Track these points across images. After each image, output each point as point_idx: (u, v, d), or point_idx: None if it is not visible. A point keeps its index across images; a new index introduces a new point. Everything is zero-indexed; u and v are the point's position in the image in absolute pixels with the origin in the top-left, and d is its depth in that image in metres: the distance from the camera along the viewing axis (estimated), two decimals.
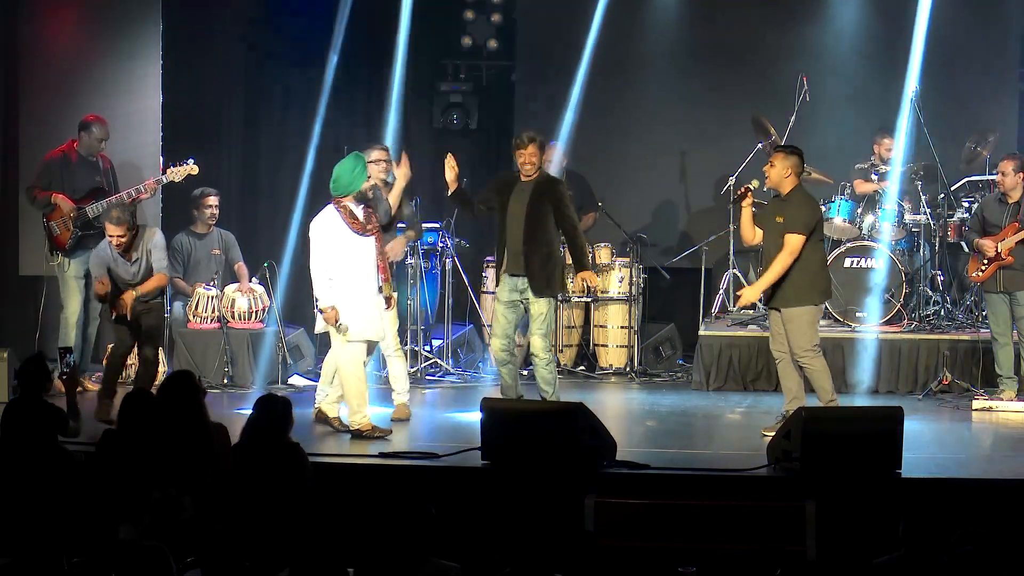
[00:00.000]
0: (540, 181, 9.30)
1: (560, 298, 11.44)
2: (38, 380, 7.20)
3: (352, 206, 8.87)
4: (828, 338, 10.85)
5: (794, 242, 8.77)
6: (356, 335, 8.82)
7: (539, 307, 9.24)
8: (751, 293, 9.08)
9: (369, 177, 9.06)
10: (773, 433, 8.34)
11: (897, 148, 11.46)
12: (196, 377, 7.29)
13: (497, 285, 9.44)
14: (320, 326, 8.99)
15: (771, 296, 8.97)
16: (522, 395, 9.42)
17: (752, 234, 9.05)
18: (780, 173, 8.87)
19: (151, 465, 6.69)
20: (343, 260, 8.80)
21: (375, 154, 9.57)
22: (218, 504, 6.67)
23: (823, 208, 11.28)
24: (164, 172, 10.43)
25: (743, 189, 9.05)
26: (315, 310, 8.93)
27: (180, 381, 7.16)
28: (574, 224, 9.37)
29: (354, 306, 8.81)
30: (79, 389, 9.12)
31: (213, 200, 11.34)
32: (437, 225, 11.63)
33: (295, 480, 6.69)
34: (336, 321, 8.72)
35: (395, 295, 9.32)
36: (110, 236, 9.33)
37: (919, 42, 11.67)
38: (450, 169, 9.32)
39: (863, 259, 11.07)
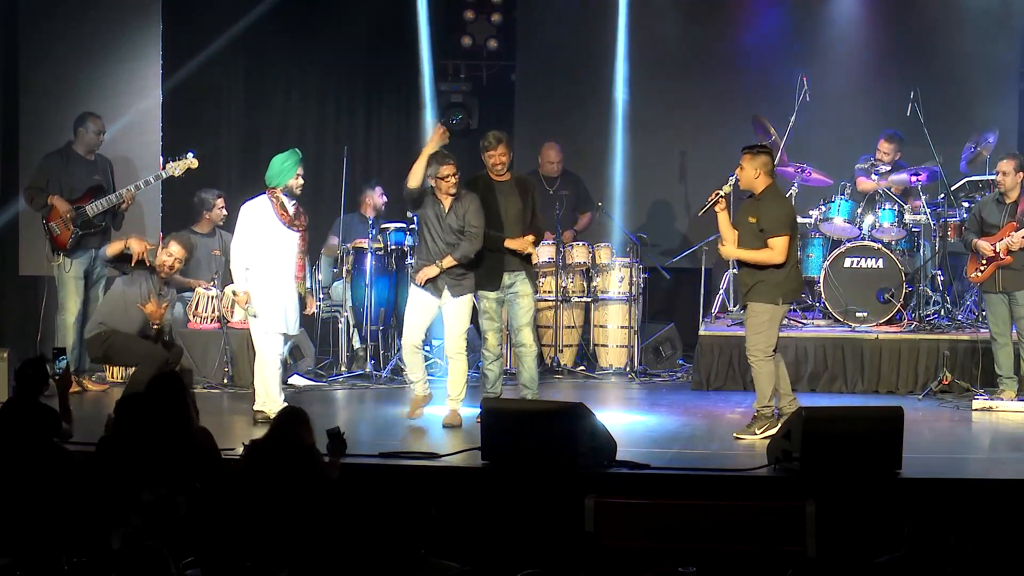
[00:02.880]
0: (518, 179, 9.58)
1: (560, 298, 11.48)
2: (36, 382, 7.19)
3: (284, 198, 9.16)
4: (829, 338, 10.89)
5: (780, 245, 8.68)
6: (271, 327, 9.14)
7: (528, 299, 9.49)
8: (730, 250, 8.94)
9: (298, 175, 9.15)
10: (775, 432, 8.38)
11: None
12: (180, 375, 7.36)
13: (494, 287, 9.43)
14: (240, 315, 9.36)
15: (741, 293, 8.96)
16: (501, 393, 9.46)
17: (734, 242, 8.92)
18: (750, 175, 8.77)
19: (142, 467, 6.69)
20: (266, 249, 9.14)
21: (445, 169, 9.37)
22: (210, 502, 6.67)
23: (822, 208, 11.32)
24: (163, 168, 10.43)
25: (714, 196, 8.90)
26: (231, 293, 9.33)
27: (167, 382, 7.16)
28: (541, 219, 9.66)
29: (271, 297, 9.13)
30: (77, 389, 9.14)
31: (222, 202, 11.40)
32: None
33: (309, 484, 6.67)
34: (246, 304, 9.07)
35: (311, 298, 9.50)
36: (171, 254, 9.55)
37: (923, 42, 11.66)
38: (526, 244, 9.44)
39: (863, 259, 11.06)
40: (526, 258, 9.44)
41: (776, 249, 8.69)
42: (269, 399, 9.15)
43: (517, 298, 9.43)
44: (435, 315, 9.45)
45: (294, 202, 9.21)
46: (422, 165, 9.10)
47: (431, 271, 9.19)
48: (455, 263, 9.20)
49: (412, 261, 9.75)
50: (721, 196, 8.88)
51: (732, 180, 9.01)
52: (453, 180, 9.15)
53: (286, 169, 9.15)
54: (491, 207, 9.32)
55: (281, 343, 9.31)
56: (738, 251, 8.82)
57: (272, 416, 8.79)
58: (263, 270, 9.19)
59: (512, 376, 10.16)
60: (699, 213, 9.16)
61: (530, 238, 9.42)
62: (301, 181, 9.21)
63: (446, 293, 9.31)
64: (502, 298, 9.50)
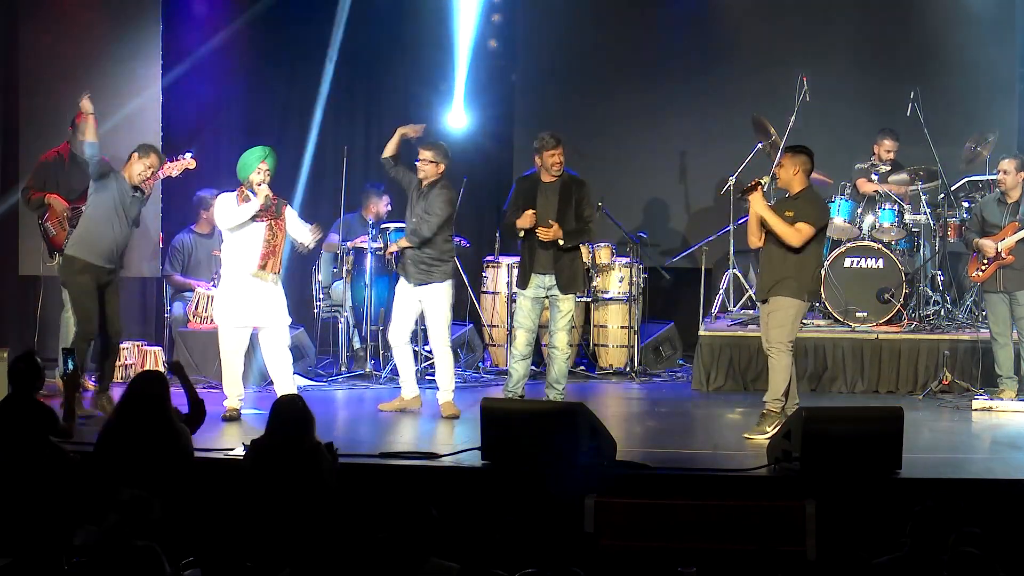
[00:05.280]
0: (566, 181, 9.57)
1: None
2: (29, 379, 7.16)
3: (247, 192, 9.45)
4: (829, 338, 10.89)
5: (805, 229, 8.73)
6: (236, 320, 9.40)
7: (566, 304, 9.55)
8: (755, 223, 8.85)
9: (259, 170, 9.41)
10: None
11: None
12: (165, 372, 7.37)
13: (523, 285, 9.60)
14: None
15: (761, 289, 8.97)
16: (523, 394, 9.51)
17: (759, 236, 8.92)
18: (789, 172, 8.86)
19: (118, 465, 6.69)
20: (232, 242, 9.43)
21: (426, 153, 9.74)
22: (188, 505, 6.66)
23: None
24: (161, 168, 10.40)
25: (753, 182, 8.94)
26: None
27: (147, 381, 7.13)
28: (587, 223, 9.62)
29: (236, 291, 9.39)
30: (81, 389, 9.12)
31: None
32: None
33: (314, 481, 6.67)
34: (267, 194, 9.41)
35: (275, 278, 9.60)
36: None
37: (924, 42, 11.64)
38: (528, 219, 9.48)
39: (863, 259, 11.05)
40: (561, 260, 9.46)
41: (800, 231, 8.70)
42: (233, 394, 9.41)
43: (558, 301, 9.54)
44: (419, 310, 9.75)
45: (262, 196, 9.42)
46: (394, 141, 9.72)
47: (392, 247, 9.78)
48: (407, 245, 9.61)
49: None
50: (760, 184, 8.94)
51: (770, 176, 9.12)
52: (425, 165, 9.56)
53: (248, 163, 9.46)
54: (531, 207, 9.49)
55: (246, 337, 9.50)
56: (765, 211, 8.77)
57: (235, 413, 9.27)
58: (229, 264, 9.48)
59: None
60: (739, 196, 9.27)
61: (554, 228, 9.38)
62: (263, 176, 9.44)
63: (412, 281, 9.61)
64: (539, 299, 9.57)
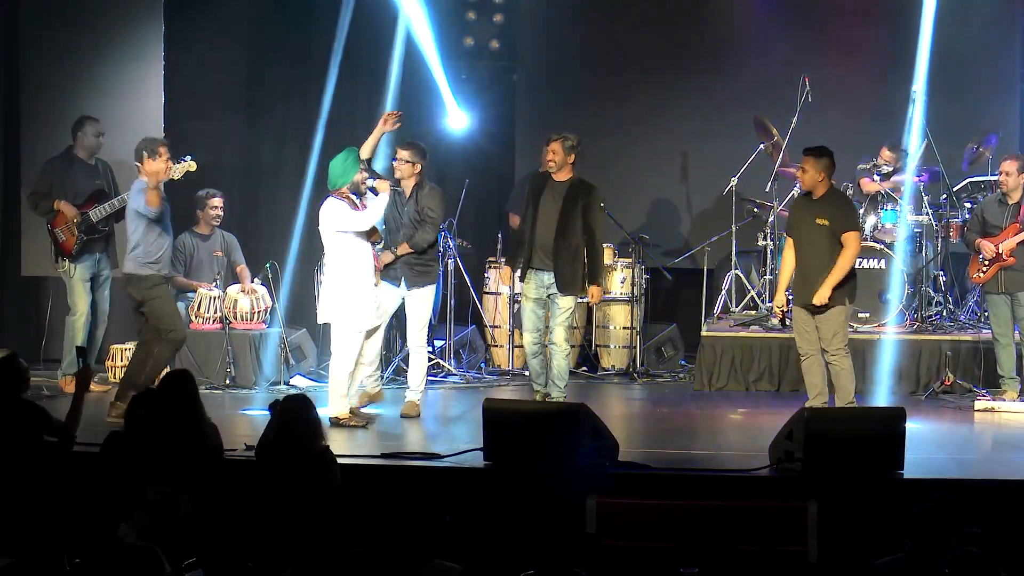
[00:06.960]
0: (575, 183, 9.53)
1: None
2: (11, 380, 7.16)
3: (353, 197, 9.11)
4: None
5: (854, 239, 8.97)
6: (355, 324, 9.08)
7: (566, 302, 9.52)
8: (824, 293, 8.96)
9: (361, 171, 9.14)
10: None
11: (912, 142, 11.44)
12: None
13: (522, 281, 9.60)
14: (322, 317, 9.26)
15: (802, 294, 9.01)
16: (548, 394, 9.49)
17: (794, 259, 9.17)
18: (815, 177, 9.01)
19: (148, 464, 6.70)
20: (347, 248, 9.03)
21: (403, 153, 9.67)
22: (215, 502, 6.67)
23: None
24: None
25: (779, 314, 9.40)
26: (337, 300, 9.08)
27: (178, 380, 7.16)
28: (593, 232, 9.51)
29: (354, 294, 9.06)
30: (105, 389, 9.16)
31: (217, 202, 11.36)
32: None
33: (321, 484, 6.67)
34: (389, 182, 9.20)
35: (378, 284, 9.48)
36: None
37: (925, 43, 11.64)
38: None
39: (864, 259, 11.03)
40: (560, 259, 9.42)
41: (851, 245, 8.94)
42: (343, 401, 9.10)
43: (557, 298, 9.51)
44: (397, 304, 9.64)
45: (360, 199, 9.20)
46: (372, 140, 9.34)
47: (387, 257, 9.44)
48: (410, 251, 9.46)
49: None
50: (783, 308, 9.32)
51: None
52: (404, 166, 9.48)
53: (348, 167, 9.07)
54: (535, 204, 9.53)
55: (361, 340, 9.20)
56: (829, 283, 8.88)
57: (345, 417, 9.05)
58: (346, 269, 9.08)
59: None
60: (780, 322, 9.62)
61: (597, 293, 9.54)
62: (365, 175, 9.20)
63: (403, 284, 9.51)
64: (541, 299, 9.54)
